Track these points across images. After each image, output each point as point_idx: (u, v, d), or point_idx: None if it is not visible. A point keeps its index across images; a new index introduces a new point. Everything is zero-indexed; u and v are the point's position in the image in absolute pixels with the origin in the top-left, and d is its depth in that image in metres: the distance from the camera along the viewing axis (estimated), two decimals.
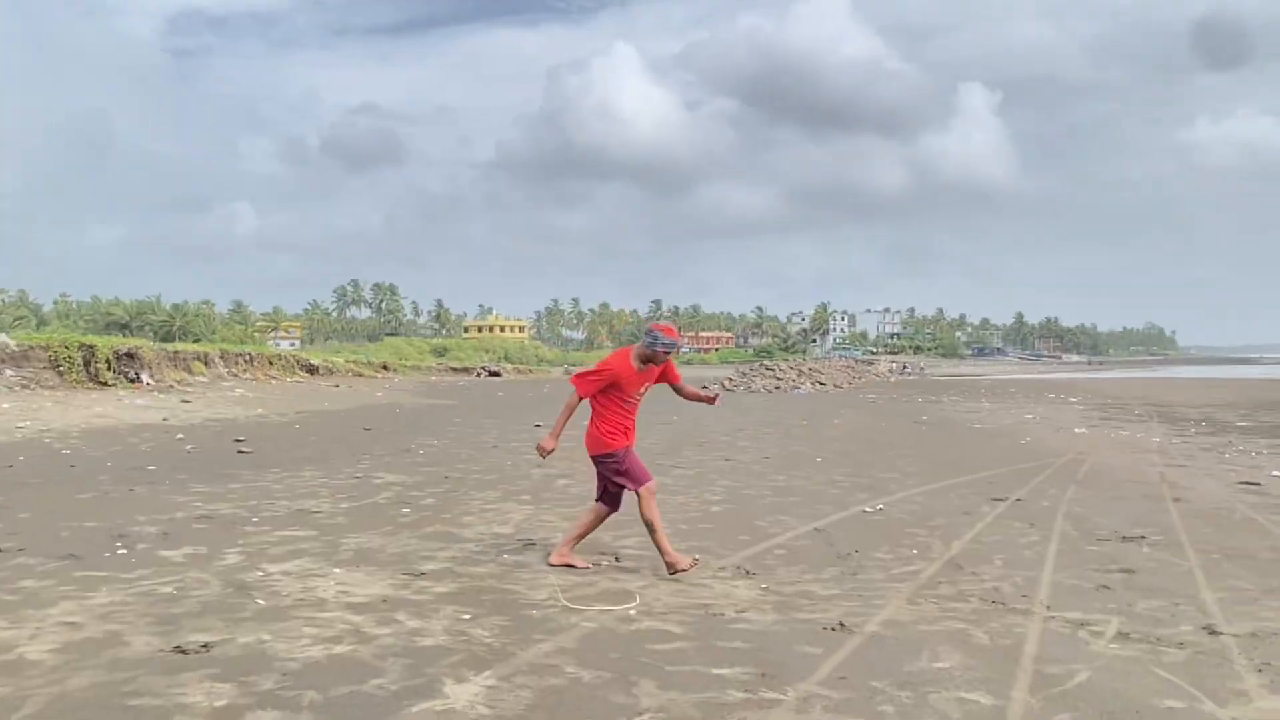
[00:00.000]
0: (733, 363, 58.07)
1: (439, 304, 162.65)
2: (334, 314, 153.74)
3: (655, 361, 6.36)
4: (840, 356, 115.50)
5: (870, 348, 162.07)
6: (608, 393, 6.32)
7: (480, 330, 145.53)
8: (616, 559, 6.75)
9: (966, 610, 5.56)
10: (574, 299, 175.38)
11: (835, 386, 41.54)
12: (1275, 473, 12.56)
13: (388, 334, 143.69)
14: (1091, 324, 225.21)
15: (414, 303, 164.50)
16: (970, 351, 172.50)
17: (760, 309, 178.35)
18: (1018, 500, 9.81)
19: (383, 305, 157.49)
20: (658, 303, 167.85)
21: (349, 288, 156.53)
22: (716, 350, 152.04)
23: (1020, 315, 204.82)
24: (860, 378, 53.20)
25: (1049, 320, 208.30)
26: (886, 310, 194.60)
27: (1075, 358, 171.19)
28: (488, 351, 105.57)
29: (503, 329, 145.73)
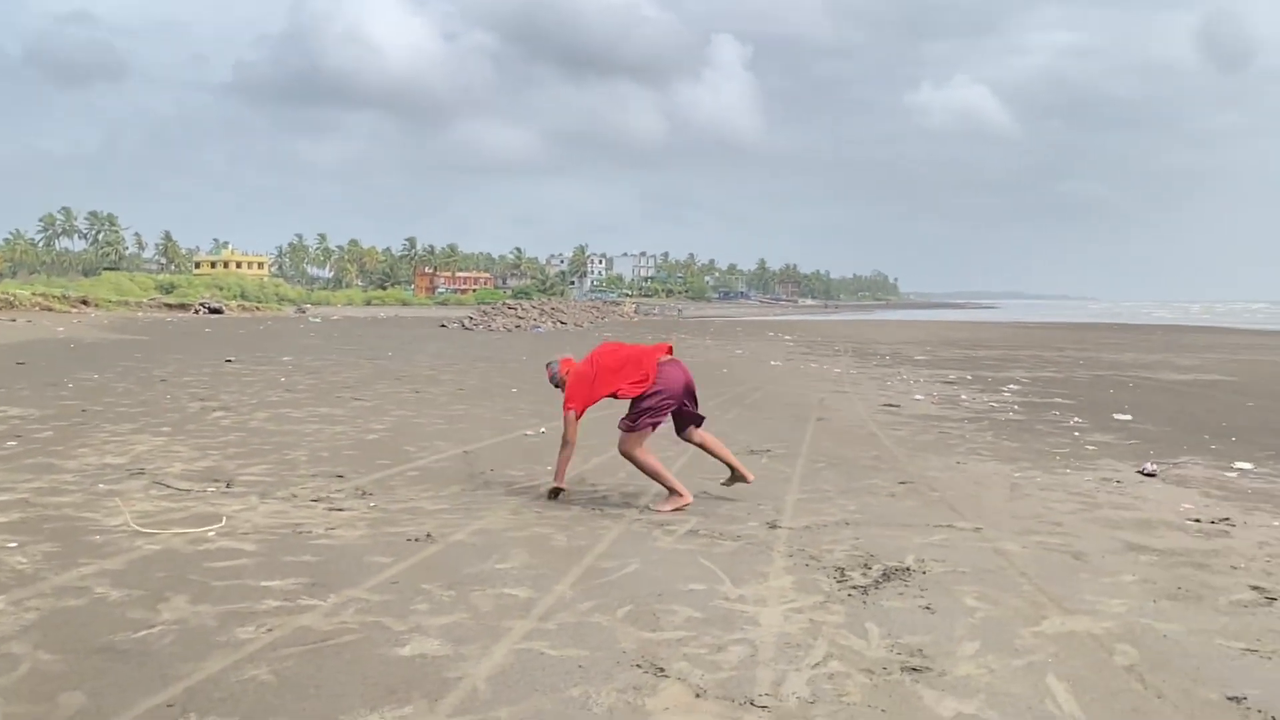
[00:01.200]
0: (489, 303, 57.36)
1: (166, 236, 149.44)
2: (40, 245, 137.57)
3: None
4: (596, 298, 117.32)
5: (625, 290, 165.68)
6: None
7: (214, 266, 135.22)
8: (229, 485, 6.48)
9: (565, 518, 5.78)
10: (321, 235, 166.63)
11: (576, 325, 42.16)
12: (918, 396, 14.02)
13: (106, 268, 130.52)
14: (826, 271, 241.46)
15: (137, 235, 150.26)
16: (717, 295, 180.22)
17: (519, 250, 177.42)
18: None
19: (100, 237, 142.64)
20: (412, 240, 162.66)
21: (59, 216, 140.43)
22: (475, 290, 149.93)
23: (763, 261, 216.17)
24: (604, 318, 54.31)
25: (788, 266, 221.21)
26: (642, 254, 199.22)
27: (810, 301, 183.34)
28: (221, 289, 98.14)
29: (239, 265, 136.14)
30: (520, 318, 39.62)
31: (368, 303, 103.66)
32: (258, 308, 50.67)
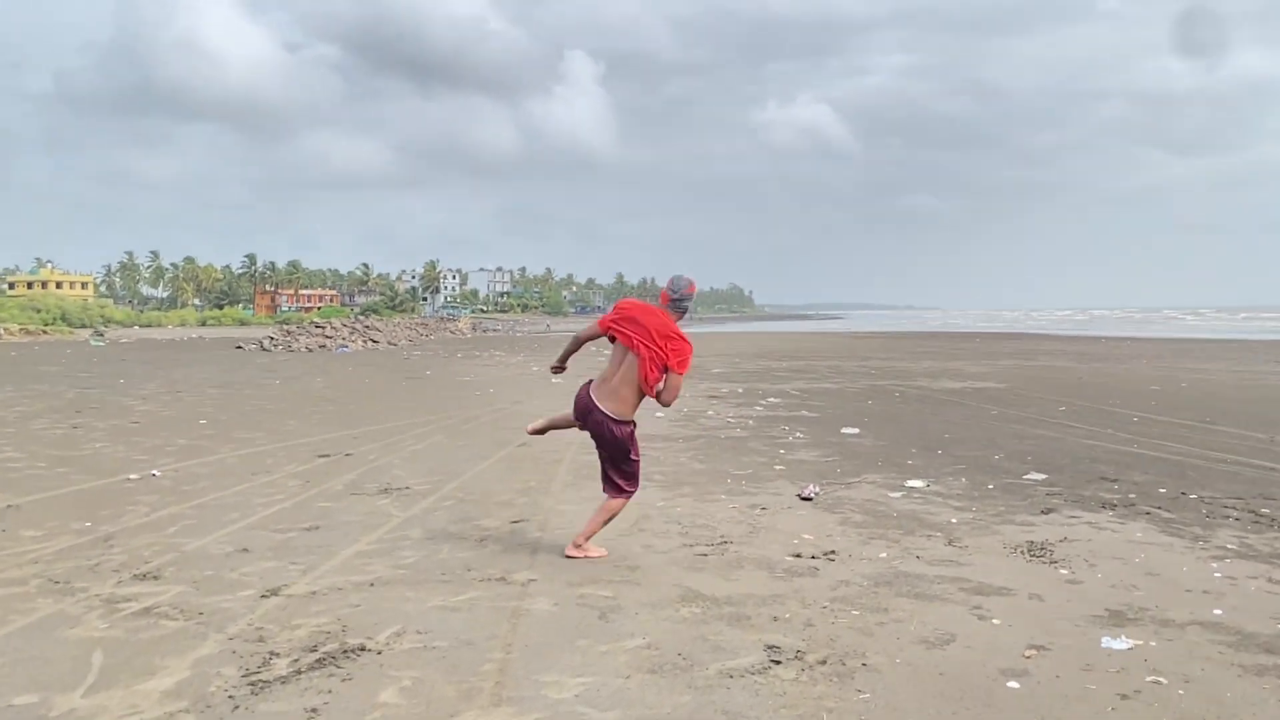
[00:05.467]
0: (291, 323, 54.68)
1: None
2: None
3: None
4: (448, 314, 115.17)
5: (481, 306, 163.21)
6: None
7: (30, 286, 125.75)
8: None
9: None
10: (154, 252, 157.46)
11: (390, 344, 40.38)
12: (659, 414, 13.33)
13: None
14: None
15: None
16: (574, 309, 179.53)
17: (367, 266, 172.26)
18: (346, 455, 9.27)
19: None
20: (251, 258, 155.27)
21: None
22: (319, 309, 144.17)
23: (621, 275, 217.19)
24: (431, 335, 52.52)
25: (644, 280, 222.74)
26: (498, 269, 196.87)
27: None
28: (39, 311, 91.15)
29: (59, 285, 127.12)
30: (328, 337, 37.59)
31: (203, 323, 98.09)
32: (44, 332, 46.64)
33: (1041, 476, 8.34)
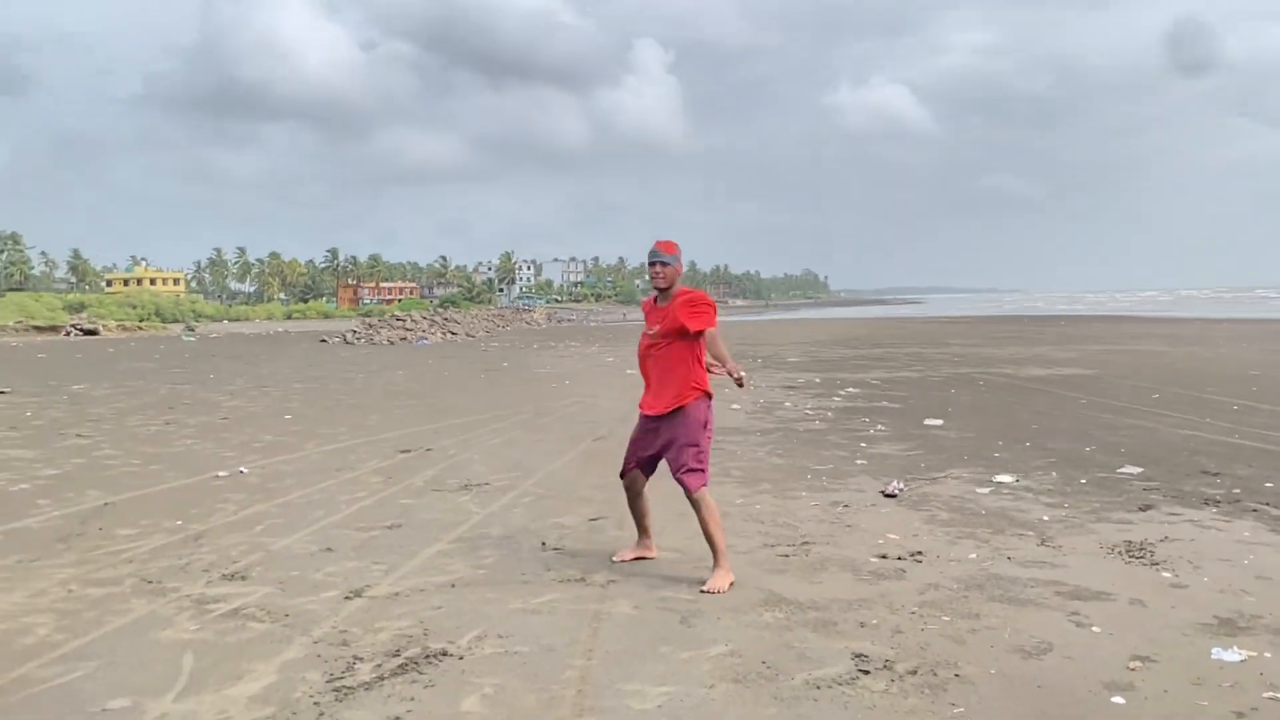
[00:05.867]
0: (372, 316, 55.84)
1: (75, 254, 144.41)
2: None
3: (660, 290, 5.01)
4: (525, 304, 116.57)
5: (555, 296, 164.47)
6: None
7: (126, 284, 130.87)
8: None
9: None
10: (240, 248, 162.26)
11: (468, 336, 40.91)
12: (735, 406, 13.20)
13: (10, 289, 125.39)
14: (756, 271, 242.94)
15: (44, 254, 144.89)
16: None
17: (445, 259, 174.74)
18: (427, 450, 9.37)
19: (3, 257, 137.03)
20: (334, 252, 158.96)
21: None
22: (400, 300, 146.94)
23: (693, 264, 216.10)
24: (507, 326, 53.09)
25: (718, 268, 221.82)
26: (572, 259, 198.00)
27: (740, 302, 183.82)
28: (135, 307, 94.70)
29: (153, 281, 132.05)
30: (408, 330, 38.23)
31: (288, 316, 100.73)
32: (139, 328, 48.44)
33: (1137, 470, 8.00)
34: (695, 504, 4.91)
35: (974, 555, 5.41)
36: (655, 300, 5.10)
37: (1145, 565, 5.19)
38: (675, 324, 4.90)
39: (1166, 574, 5.02)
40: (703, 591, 4.71)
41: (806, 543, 5.70)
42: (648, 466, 5.15)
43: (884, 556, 5.38)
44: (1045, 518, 6.35)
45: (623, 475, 5.26)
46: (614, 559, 5.26)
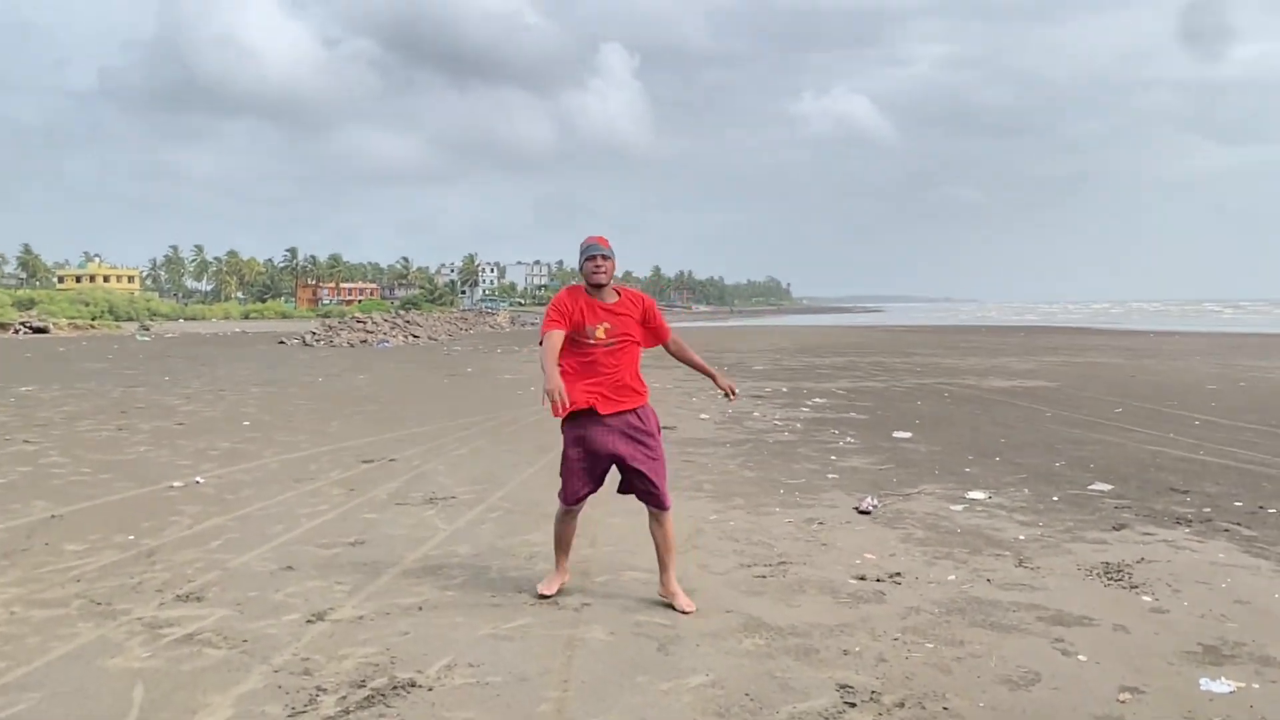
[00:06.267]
0: (332, 317, 55.09)
1: (26, 249, 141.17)
2: None
3: (596, 285, 4.70)
4: (487, 307, 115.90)
5: (519, 299, 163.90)
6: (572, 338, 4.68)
7: (78, 280, 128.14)
8: None
9: None
10: (197, 246, 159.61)
11: (430, 339, 40.47)
12: (704, 415, 13.10)
13: None
14: (720, 277, 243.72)
15: None
16: None
17: (406, 259, 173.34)
18: (390, 460, 9.14)
19: None
20: (293, 251, 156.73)
21: None
22: (360, 302, 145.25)
23: (658, 268, 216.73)
24: (471, 329, 52.63)
25: (682, 273, 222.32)
26: (536, 262, 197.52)
27: (703, 308, 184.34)
28: (88, 304, 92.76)
29: (107, 279, 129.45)
30: (369, 332, 37.73)
31: (245, 316, 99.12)
32: (92, 326, 47.34)
33: (1107, 487, 8.00)
34: (665, 520, 4.79)
35: (953, 577, 5.33)
36: (587, 295, 4.75)
37: (1124, 588, 5.14)
38: (633, 327, 4.78)
39: (1146, 598, 4.97)
40: (678, 611, 4.63)
41: (783, 562, 5.58)
42: (599, 483, 4.91)
43: (862, 578, 5.27)
44: (1021, 536, 6.29)
45: (571, 502, 4.87)
46: (542, 592, 4.85)
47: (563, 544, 4.97)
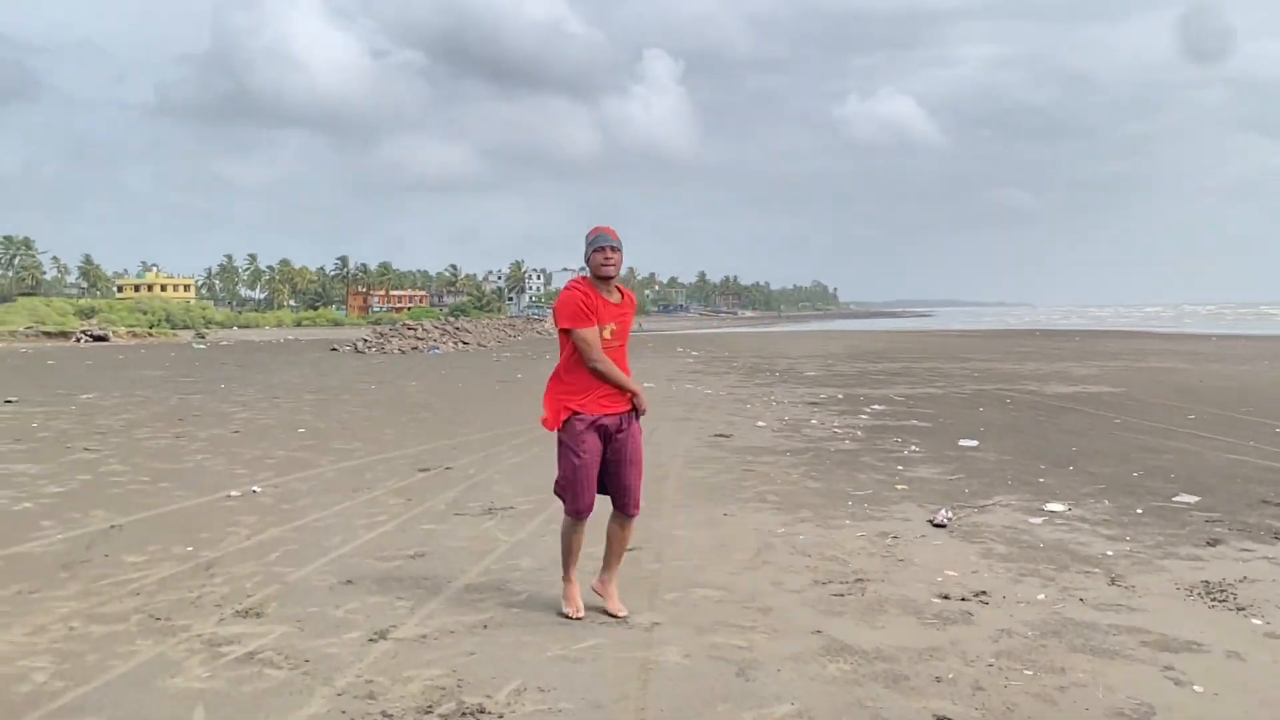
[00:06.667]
0: (384, 324, 55.60)
1: (86, 260, 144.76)
2: None
3: (604, 278, 4.55)
4: (535, 313, 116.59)
5: None
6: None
7: (137, 289, 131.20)
8: None
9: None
10: (251, 255, 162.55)
11: (480, 346, 40.60)
12: (760, 423, 12.83)
13: (22, 294, 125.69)
14: (766, 282, 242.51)
15: (56, 259, 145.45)
16: (657, 309, 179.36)
17: (455, 267, 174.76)
18: (447, 468, 9.01)
19: (15, 262, 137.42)
20: (344, 259, 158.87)
21: None
22: (409, 309, 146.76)
23: (703, 274, 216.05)
24: (519, 335, 52.75)
25: (728, 279, 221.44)
26: (582, 268, 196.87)
27: (750, 313, 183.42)
28: (146, 313, 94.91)
29: (164, 288, 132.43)
30: (419, 339, 37.94)
31: (298, 323, 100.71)
32: (149, 334, 48.25)
33: (1193, 499, 7.60)
34: (629, 525, 4.78)
35: (1042, 596, 5.02)
36: (594, 290, 4.55)
37: (1231, 610, 4.80)
38: (628, 329, 4.69)
39: (1256, 620, 4.63)
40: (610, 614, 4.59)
41: (860, 579, 5.32)
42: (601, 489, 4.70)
43: (946, 596, 4.99)
44: (1109, 552, 5.95)
45: (586, 513, 4.69)
46: (573, 616, 4.60)
47: (574, 555, 4.78)
